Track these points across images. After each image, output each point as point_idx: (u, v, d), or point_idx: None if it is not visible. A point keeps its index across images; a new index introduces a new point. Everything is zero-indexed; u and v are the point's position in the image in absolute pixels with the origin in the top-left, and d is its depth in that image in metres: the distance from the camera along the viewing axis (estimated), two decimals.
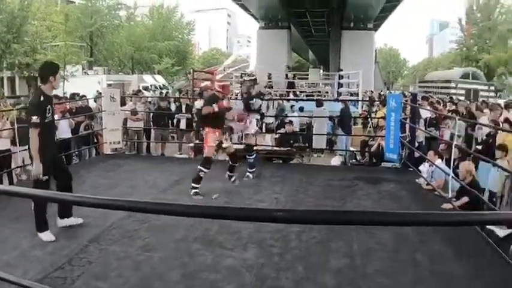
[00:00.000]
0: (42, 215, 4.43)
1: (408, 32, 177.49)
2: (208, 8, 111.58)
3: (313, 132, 11.87)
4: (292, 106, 14.50)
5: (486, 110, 10.88)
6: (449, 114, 10.27)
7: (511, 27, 40.01)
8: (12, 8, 28.27)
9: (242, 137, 8.22)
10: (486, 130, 8.31)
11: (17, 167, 7.58)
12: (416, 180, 7.16)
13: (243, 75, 22.49)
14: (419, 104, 9.08)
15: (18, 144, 6.94)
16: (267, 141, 11.18)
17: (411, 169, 7.72)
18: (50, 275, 3.70)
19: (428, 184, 6.76)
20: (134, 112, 11.23)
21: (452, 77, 39.79)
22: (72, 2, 39.70)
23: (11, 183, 7.49)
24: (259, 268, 3.90)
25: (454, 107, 12.63)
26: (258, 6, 42.33)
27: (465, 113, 10.51)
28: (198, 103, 11.29)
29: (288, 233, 4.64)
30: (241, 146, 7.88)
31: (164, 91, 28.19)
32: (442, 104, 14.19)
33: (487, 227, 4.85)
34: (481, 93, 34.70)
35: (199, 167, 6.32)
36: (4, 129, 7.51)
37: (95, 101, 12.30)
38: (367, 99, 21.25)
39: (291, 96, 21.14)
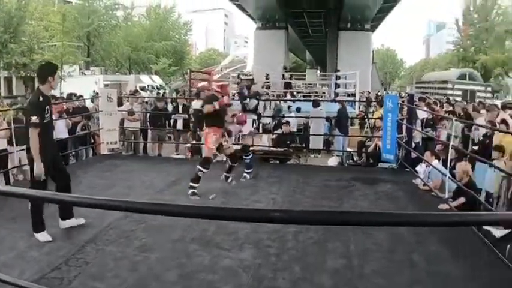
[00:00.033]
0: (39, 216, 4.41)
1: (405, 32, 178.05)
2: (206, 9, 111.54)
3: (310, 133, 11.89)
4: (289, 107, 14.51)
5: (483, 111, 10.89)
6: (446, 114, 10.28)
7: (508, 28, 40.05)
8: (9, 8, 28.20)
9: (239, 137, 8.21)
10: (483, 131, 8.32)
11: (14, 167, 7.56)
12: (413, 180, 7.17)
13: (240, 75, 22.46)
14: (416, 105, 9.10)
15: (15, 144, 6.92)
16: (264, 141, 11.18)
17: (408, 170, 7.73)
18: (46, 275, 3.69)
19: (425, 185, 6.77)
20: (131, 112, 11.22)
21: (449, 78, 39.79)
22: (69, 2, 39.62)
23: (7, 183, 7.46)
24: (256, 268, 3.90)
25: (451, 108, 12.65)
26: (255, 7, 42.36)
27: (462, 114, 10.53)
28: (195, 103, 11.29)
29: (285, 234, 4.64)
30: (238, 147, 7.89)
31: (161, 91, 28.15)
32: (439, 105, 14.23)
33: (484, 227, 4.86)
34: (478, 94, 34.70)
35: (198, 166, 6.33)
36: (1, 129, 7.48)
37: (92, 101, 12.29)
38: (364, 99, 21.24)
39: (288, 96, 21.15)
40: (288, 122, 11.37)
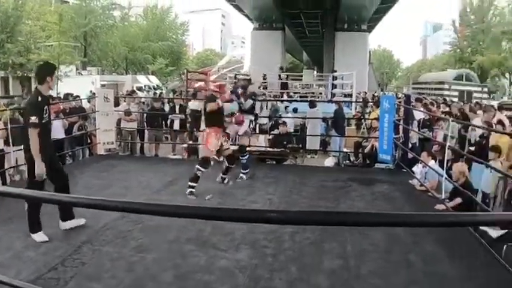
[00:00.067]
0: (36, 216, 4.40)
1: (402, 33, 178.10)
2: (203, 9, 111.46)
3: (307, 133, 11.88)
4: (286, 107, 14.50)
5: (479, 112, 10.93)
6: (443, 115, 10.29)
7: (505, 29, 40.23)
8: (6, 8, 28.16)
9: (236, 138, 8.21)
10: (479, 131, 8.33)
11: (10, 168, 7.54)
12: (410, 181, 7.18)
13: (237, 75, 22.47)
14: (412, 106, 9.11)
15: (11, 145, 6.91)
16: (261, 142, 11.18)
17: (404, 170, 7.74)
18: (43, 275, 3.68)
19: (421, 185, 6.79)
20: (128, 113, 11.20)
21: (446, 79, 39.94)
22: (66, 2, 39.56)
23: (4, 183, 7.44)
24: (253, 269, 3.90)
25: (447, 109, 12.66)
26: (252, 7, 42.37)
27: (458, 115, 10.54)
28: (192, 104, 11.30)
29: (282, 234, 4.64)
30: (235, 147, 7.89)
31: (158, 92, 28.12)
32: (435, 106, 14.23)
33: (480, 228, 4.88)
34: (475, 94, 34.86)
35: (197, 166, 6.34)
36: None
37: (89, 102, 12.28)
38: (361, 100, 21.26)
39: (285, 97, 21.16)
40: (284, 123, 11.36)
